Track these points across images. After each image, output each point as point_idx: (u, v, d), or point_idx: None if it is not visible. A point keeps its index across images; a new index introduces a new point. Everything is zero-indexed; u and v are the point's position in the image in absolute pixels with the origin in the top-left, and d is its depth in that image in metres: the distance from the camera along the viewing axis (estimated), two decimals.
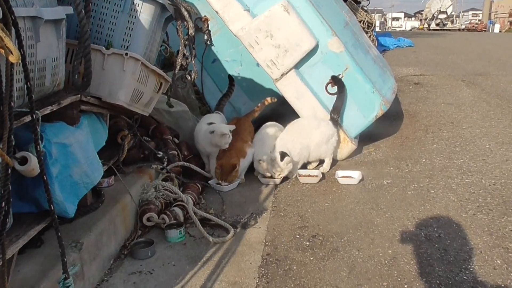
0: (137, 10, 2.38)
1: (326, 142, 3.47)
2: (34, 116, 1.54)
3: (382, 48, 10.33)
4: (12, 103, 1.41)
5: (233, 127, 3.33)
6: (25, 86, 1.52)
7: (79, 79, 2.07)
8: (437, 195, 2.96)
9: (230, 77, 4.02)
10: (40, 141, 1.59)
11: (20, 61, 1.40)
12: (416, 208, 2.79)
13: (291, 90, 3.56)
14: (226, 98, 3.93)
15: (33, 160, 1.66)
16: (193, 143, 3.45)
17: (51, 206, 1.60)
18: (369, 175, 3.39)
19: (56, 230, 1.60)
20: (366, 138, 4.03)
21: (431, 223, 2.58)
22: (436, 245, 2.33)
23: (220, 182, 3.20)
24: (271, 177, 3.30)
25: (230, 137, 3.27)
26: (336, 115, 3.54)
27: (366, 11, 10.47)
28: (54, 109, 1.87)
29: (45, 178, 1.58)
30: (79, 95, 2.08)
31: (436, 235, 2.44)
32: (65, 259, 1.59)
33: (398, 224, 2.59)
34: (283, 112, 4.02)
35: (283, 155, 3.24)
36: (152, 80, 2.59)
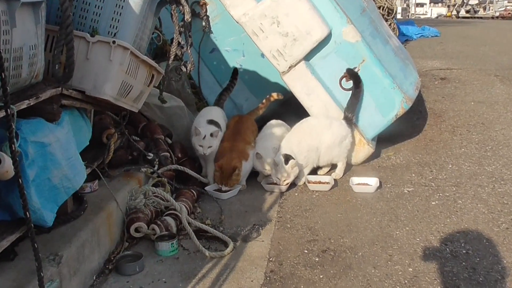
0: None
1: (339, 144, 3.46)
2: (8, 111, 1.54)
3: (404, 38, 10.32)
4: None
5: (217, 131, 3.34)
6: None
7: (60, 70, 2.07)
8: (465, 206, 2.96)
9: (235, 70, 4.02)
10: (15, 140, 1.60)
11: None
12: (441, 220, 2.79)
13: (300, 84, 3.55)
14: (226, 92, 3.94)
15: (7, 161, 1.66)
16: (189, 144, 3.46)
17: (27, 213, 1.60)
18: (387, 182, 3.39)
19: (32, 241, 1.60)
20: (385, 140, 4.03)
21: (458, 237, 2.58)
22: (464, 263, 2.33)
23: (220, 186, 3.20)
24: (276, 183, 3.30)
25: (212, 143, 3.29)
26: (351, 113, 3.54)
27: None
28: (32, 104, 1.88)
29: (20, 181, 1.58)
30: (60, 88, 2.09)
31: (464, 251, 2.44)
32: (41, 273, 1.59)
33: (420, 239, 2.58)
34: (282, 113, 4.01)
35: (287, 158, 3.24)
36: (143, 72, 2.59)
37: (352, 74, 3.53)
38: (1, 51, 1.50)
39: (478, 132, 4.36)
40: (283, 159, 3.23)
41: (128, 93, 2.50)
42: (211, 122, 3.43)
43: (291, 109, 3.71)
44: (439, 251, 2.45)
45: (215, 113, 3.59)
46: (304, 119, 3.57)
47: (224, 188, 3.20)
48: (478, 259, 2.36)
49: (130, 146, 3.02)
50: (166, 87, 3.25)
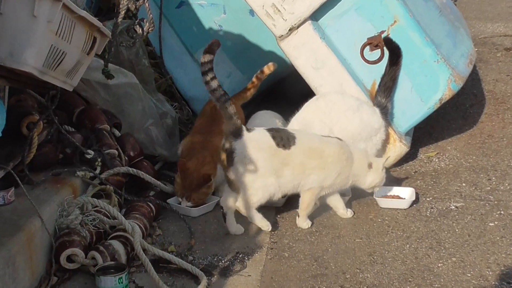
0: None
1: (367, 138, 3.43)
2: None
3: None
4: None
5: None
6: None
7: None
8: None
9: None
10: None
11: None
12: (502, 248, 2.82)
13: (306, 54, 3.55)
14: None
15: None
16: (145, 137, 3.46)
17: None
18: (427, 194, 3.41)
19: None
20: (424, 134, 4.05)
21: None
22: None
23: (180, 199, 3.20)
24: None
25: None
26: (386, 98, 3.51)
27: None
28: None
29: None
30: None
31: None
32: None
33: (472, 274, 2.61)
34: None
35: None
36: (80, 34, 2.59)
37: (391, 46, 3.45)
38: None
39: None
40: None
41: (59, 64, 2.49)
42: None
43: (282, 99, 3.70)
44: None
45: None
46: (320, 95, 3.52)
47: (184, 203, 3.20)
48: None
49: (61, 139, 3.02)
50: (113, 56, 3.25)
